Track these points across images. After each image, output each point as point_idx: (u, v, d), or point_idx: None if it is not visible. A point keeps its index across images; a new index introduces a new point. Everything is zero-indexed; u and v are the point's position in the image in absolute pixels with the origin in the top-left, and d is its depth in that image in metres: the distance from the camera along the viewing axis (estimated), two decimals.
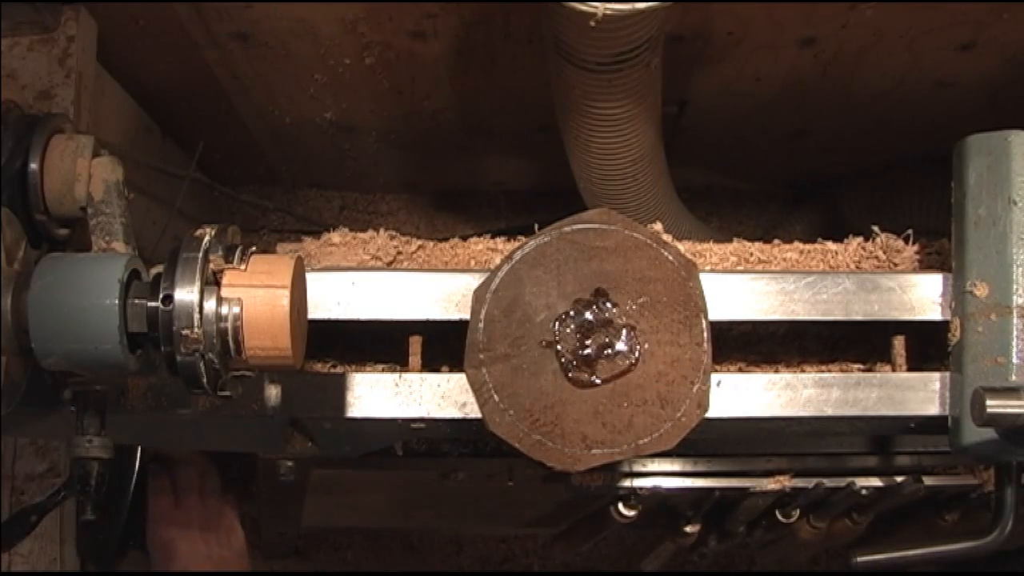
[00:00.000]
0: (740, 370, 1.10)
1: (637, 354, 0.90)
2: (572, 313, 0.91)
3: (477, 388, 0.90)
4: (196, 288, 0.79)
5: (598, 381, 0.89)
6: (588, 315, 0.90)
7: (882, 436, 1.20)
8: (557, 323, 0.90)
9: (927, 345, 1.05)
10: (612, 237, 0.92)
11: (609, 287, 0.91)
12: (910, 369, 1.03)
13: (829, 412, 1.00)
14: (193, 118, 1.54)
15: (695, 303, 0.91)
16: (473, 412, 0.93)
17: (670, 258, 0.92)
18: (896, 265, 1.09)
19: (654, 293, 0.91)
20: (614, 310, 0.91)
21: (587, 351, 0.90)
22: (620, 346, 0.90)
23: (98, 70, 1.21)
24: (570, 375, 0.89)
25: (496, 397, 0.89)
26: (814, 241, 1.12)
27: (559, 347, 0.90)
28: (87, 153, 0.90)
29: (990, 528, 1.03)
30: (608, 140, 1.20)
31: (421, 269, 1.05)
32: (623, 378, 0.89)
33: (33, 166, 0.89)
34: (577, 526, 1.41)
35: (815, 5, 1.22)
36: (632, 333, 0.90)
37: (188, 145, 1.55)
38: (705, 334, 0.91)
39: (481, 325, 0.90)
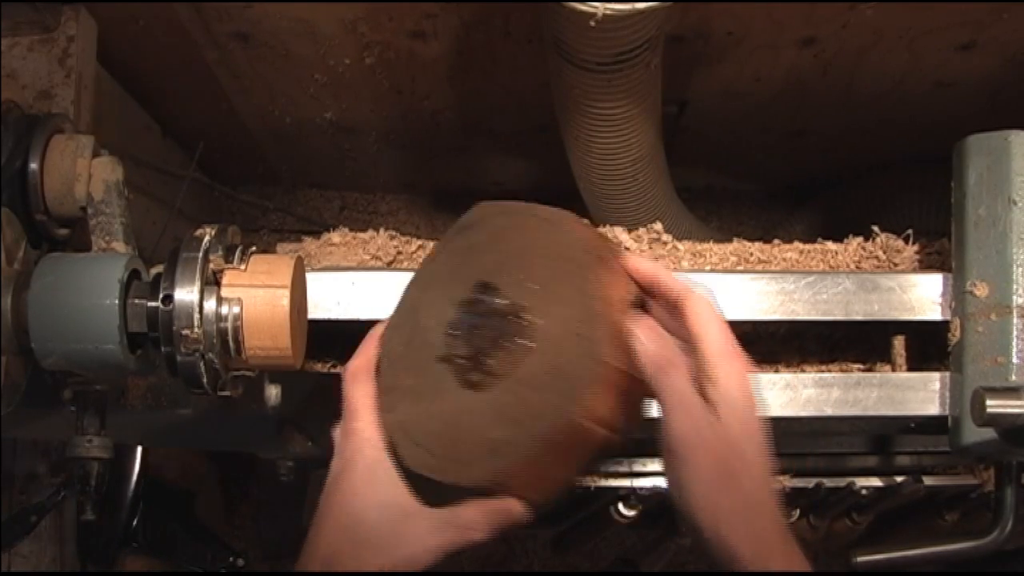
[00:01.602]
0: None
1: (531, 337, 0.77)
2: (459, 318, 0.80)
3: (393, 433, 0.80)
4: (196, 288, 0.79)
5: (496, 378, 0.77)
6: (473, 314, 0.80)
7: (882, 436, 1.20)
8: (447, 333, 0.80)
9: (927, 345, 1.05)
10: (484, 228, 0.83)
11: (491, 278, 0.80)
12: (910, 369, 1.03)
13: (829, 412, 1.00)
14: (193, 118, 1.54)
15: (578, 258, 0.79)
16: None
17: (543, 220, 0.81)
18: (896, 265, 1.09)
19: (536, 267, 0.79)
20: (497, 300, 0.79)
21: (478, 350, 0.78)
22: (512, 333, 0.77)
23: (98, 70, 1.21)
24: (467, 380, 0.78)
25: (411, 433, 0.79)
26: (814, 241, 1.12)
27: (453, 356, 0.79)
28: (87, 153, 0.91)
29: (990, 528, 1.03)
30: (608, 140, 1.20)
31: None
32: (522, 365, 0.76)
33: (33, 166, 0.89)
34: (577, 526, 1.41)
35: (815, 5, 1.22)
36: (521, 316, 0.78)
37: (188, 145, 1.55)
38: (595, 285, 0.77)
39: (386, 365, 0.82)
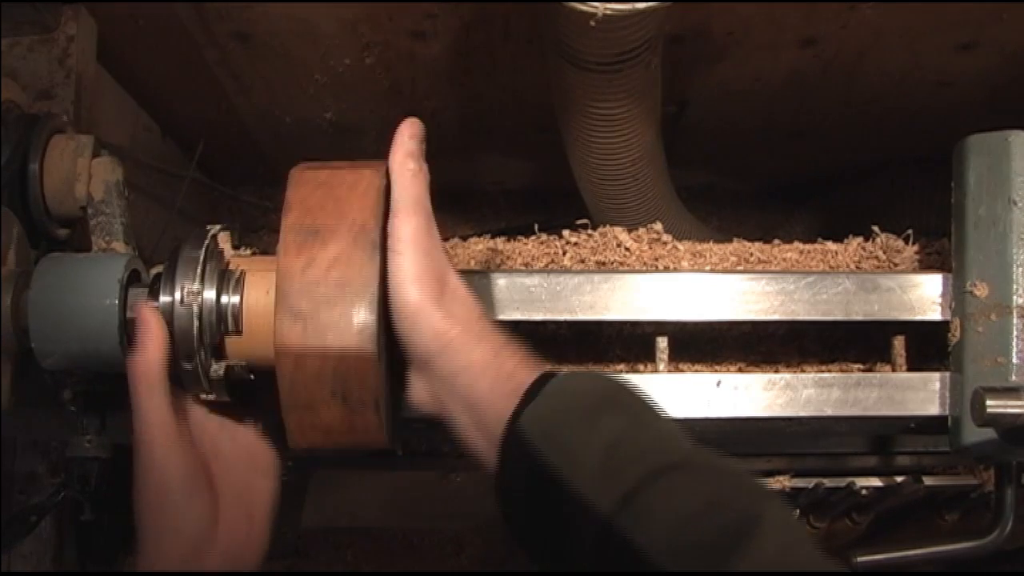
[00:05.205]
0: (740, 370, 1.10)
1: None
2: None
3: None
4: (196, 288, 0.79)
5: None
6: None
7: (882, 436, 1.20)
8: None
9: (927, 345, 1.05)
10: None
11: None
12: (910, 369, 1.03)
13: (829, 412, 1.00)
14: (193, 118, 1.54)
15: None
16: None
17: None
18: (896, 265, 1.09)
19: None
20: None
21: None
22: None
23: (98, 70, 1.21)
24: None
25: None
26: (814, 241, 1.12)
27: None
28: (87, 153, 0.91)
29: (990, 528, 1.03)
30: (608, 140, 1.20)
31: None
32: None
33: (33, 166, 0.89)
34: None
35: (815, 5, 1.22)
36: None
37: (188, 145, 1.55)
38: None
39: None
